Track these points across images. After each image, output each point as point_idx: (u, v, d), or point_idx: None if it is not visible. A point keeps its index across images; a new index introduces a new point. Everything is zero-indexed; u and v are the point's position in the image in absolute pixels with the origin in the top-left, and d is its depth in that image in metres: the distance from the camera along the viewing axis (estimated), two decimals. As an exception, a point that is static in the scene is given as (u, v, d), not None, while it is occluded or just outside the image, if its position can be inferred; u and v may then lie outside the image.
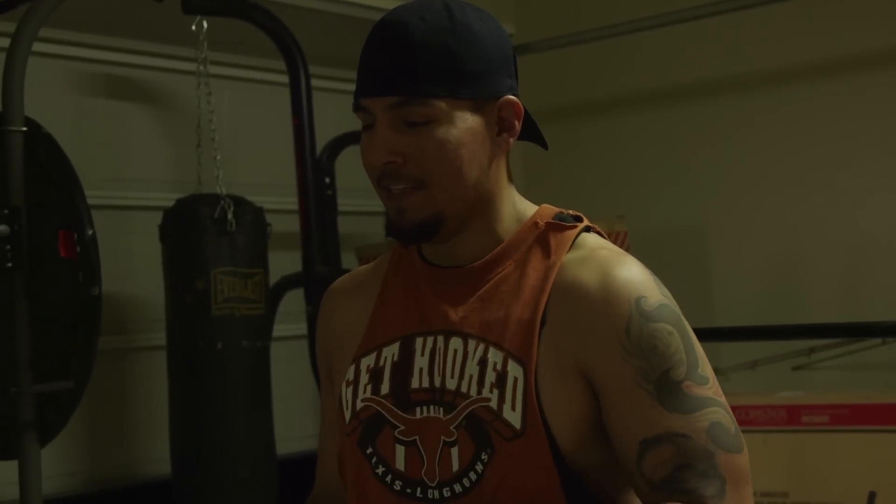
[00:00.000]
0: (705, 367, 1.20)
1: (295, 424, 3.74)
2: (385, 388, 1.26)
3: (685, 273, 4.00)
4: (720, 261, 4.05)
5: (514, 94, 1.25)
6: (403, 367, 1.26)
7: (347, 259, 3.69)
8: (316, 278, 3.34)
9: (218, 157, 3.29)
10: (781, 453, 2.87)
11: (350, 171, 3.90)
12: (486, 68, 1.21)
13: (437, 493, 1.22)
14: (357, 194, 3.95)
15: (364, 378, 1.28)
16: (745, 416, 2.85)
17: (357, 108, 1.23)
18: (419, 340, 1.26)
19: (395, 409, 1.25)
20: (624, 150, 4.30)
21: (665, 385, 1.17)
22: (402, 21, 1.20)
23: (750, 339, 3.54)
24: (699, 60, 4.11)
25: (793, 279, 3.91)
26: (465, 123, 1.21)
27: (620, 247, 1.29)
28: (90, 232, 2.51)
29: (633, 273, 1.22)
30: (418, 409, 1.23)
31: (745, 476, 1.18)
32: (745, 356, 3.66)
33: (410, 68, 1.18)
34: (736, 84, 4.04)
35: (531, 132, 1.32)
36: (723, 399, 1.20)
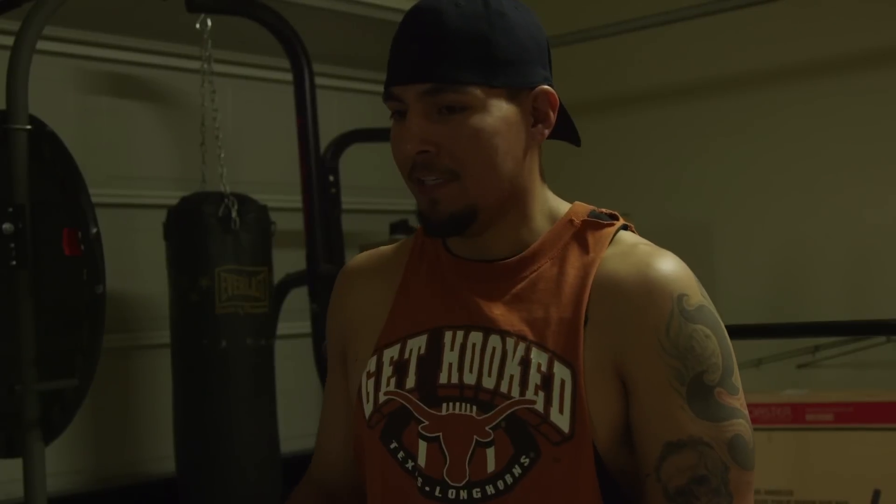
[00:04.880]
0: (738, 377, 1.19)
1: (299, 422, 3.74)
2: (411, 381, 1.22)
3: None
4: (725, 258, 4.05)
5: (549, 85, 1.22)
6: (431, 360, 1.22)
7: (351, 257, 3.69)
8: (320, 276, 3.34)
9: (222, 156, 3.29)
10: (786, 451, 2.86)
11: (354, 169, 3.90)
12: (521, 57, 1.19)
13: (464, 493, 1.18)
14: (361, 192, 3.96)
15: (387, 370, 1.24)
16: (750, 415, 2.84)
17: (388, 96, 1.19)
18: (448, 334, 1.22)
19: (421, 404, 1.21)
20: (629, 148, 4.30)
21: (697, 388, 1.16)
22: (435, 8, 1.17)
23: (755, 337, 3.53)
24: (706, 58, 4.10)
25: (798, 277, 3.91)
26: (500, 112, 1.18)
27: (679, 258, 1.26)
28: (94, 230, 2.51)
29: (675, 269, 1.20)
30: (445, 405, 1.20)
31: (749, 491, 1.17)
32: (750, 354, 3.66)
33: (445, 55, 1.15)
34: (743, 82, 4.03)
35: (563, 128, 1.29)
36: (747, 412, 1.19)
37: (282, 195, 3.71)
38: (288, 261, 3.59)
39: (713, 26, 3.92)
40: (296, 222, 3.50)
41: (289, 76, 3.40)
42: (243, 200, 3.20)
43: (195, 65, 3.39)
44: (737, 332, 3.32)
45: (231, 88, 3.75)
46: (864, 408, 2.85)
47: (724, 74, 4.08)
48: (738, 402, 1.18)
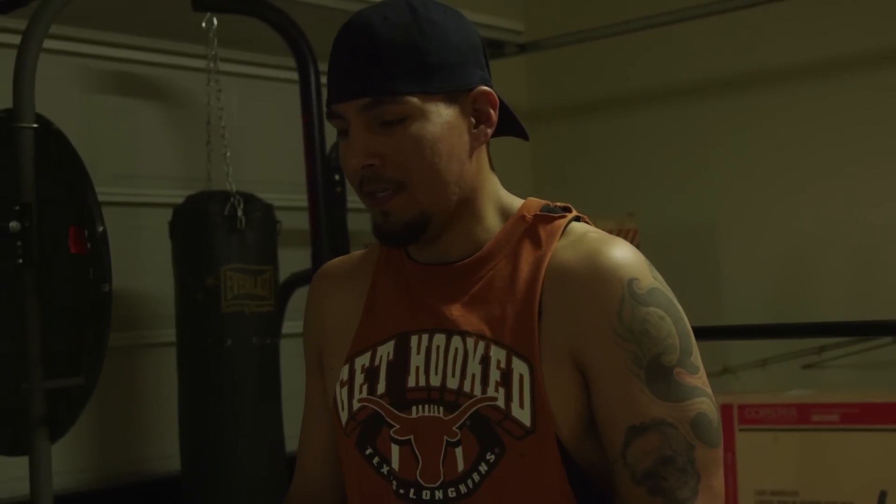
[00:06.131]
0: (697, 356, 1.20)
1: (304, 421, 3.74)
2: (381, 387, 1.25)
3: (695, 271, 3.99)
4: (730, 259, 4.05)
5: (487, 85, 1.24)
6: (399, 365, 1.25)
7: (357, 256, 3.69)
8: (325, 275, 3.33)
9: (228, 154, 3.29)
10: (791, 452, 2.86)
11: (360, 169, 3.90)
12: (455, 60, 1.20)
13: (440, 493, 1.21)
14: (367, 191, 3.95)
15: (359, 378, 1.27)
16: (755, 415, 2.84)
17: (331, 115, 1.22)
18: (414, 338, 1.25)
19: (391, 408, 1.24)
20: (634, 148, 4.30)
21: (655, 370, 1.17)
22: (365, 22, 1.20)
23: (760, 338, 3.53)
24: (710, 58, 4.10)
25: (803, 277, 3.90)
26: (441, 118, 1.20)
27: (630, 244, 1.28)
28: (101, 228, 2.52)
29: (624, 254, 1.21)
30: (414, 408, 1.23)
31: (717, 469, 1.18)
32: (755, 354, 3.66)
33: (378, 68, 1.18)
34: (747, 82, 4.03)
35: (510, 125, 1.31)
36: (710, 390, 1.20)
37: (287, 194, 3.71)
38: (293, 260, 3.59)
39: (718, 26, 3.91)
40: (301, 221, 3.50)
41: (295, 75, 3.40)
42: (249, 199, 3.20)
43: (201, 64, 3.40)
44: (742, 332, 3.35)
45: (237, 87, 3.75)
46: (869, 408, 2.85)
47: (729, 74, 4.08)
48: (700, 380, 1.19)
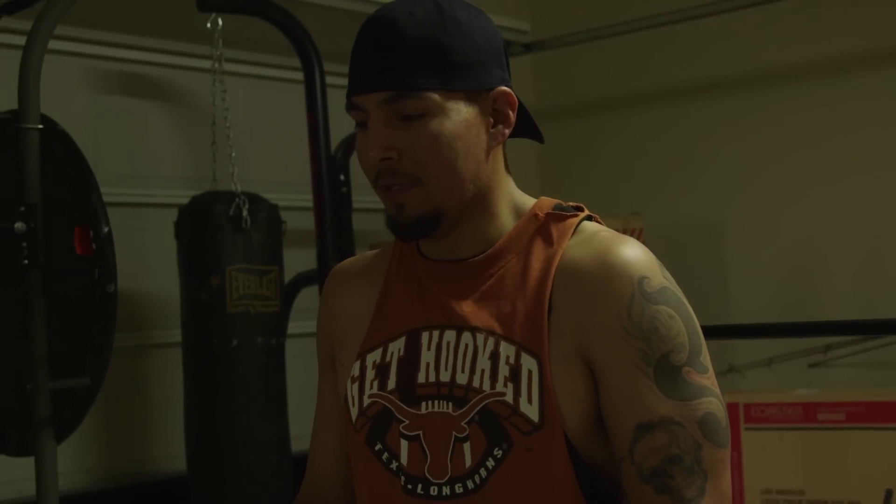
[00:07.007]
0: (706, 357, 1.20)
1: (309, 421, 3.71)
2: (391, 383, 1.26)
3: (701, 270, 3.99)
4: (736, 258, 4.04)
5: (506, 86, 1.25)
6: (410, 361, 1.25)
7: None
8: (331, 275, 3.33)
9: (233, 155, 3.30)
10: (797, 451, 2.86)
11: (365, 169, 3.90)
12: (478, 60, 1.21)
13: (447, 489, 1.21)
14: (372, 191, 3.96)
15: (370, 374, 1.28)
16: (761, 414, 2.84)
17: (350, 106, 1.23)
18: (425, 335, 1.25)
19: (401, 404, 1.24)
20: (640, 147, 4.29)
21: (664, 369, 1.17)
22: (390, 17, 1.21)
23: (766, 337, 3.53)
24: (715, 57, 4.09)
25: (809, 276, 3.90)
26: (460, 115, 1.21)
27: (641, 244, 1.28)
28: (106, 229, 2.52)
29: (635, 253, 1.21)
30: (424, 404, 1.23)
31: (725, 469, 1.18)
32: (761, 353, 3.65)
33: (401, 62, 1.19)
34: (753, 81, 4.02)
35: (526, 127, 1.31)
36: (718, 391, 1.20)
37: (293, 194, 3.71)
38: (299, 260, 3.60)
39: (725, 25, 3.91)
40: (306, 221, 3.50)
41: (300, 75, 3.40)
42: (254, 199, 3.20)
43: (206, 64, 3.40)
44: (748, 331, 3.34)
45: (242, 88, 3.76)
46: (875, 407, 2.85)
47: (735, 73, 4.07)
48: (709, 380, 1.19)
